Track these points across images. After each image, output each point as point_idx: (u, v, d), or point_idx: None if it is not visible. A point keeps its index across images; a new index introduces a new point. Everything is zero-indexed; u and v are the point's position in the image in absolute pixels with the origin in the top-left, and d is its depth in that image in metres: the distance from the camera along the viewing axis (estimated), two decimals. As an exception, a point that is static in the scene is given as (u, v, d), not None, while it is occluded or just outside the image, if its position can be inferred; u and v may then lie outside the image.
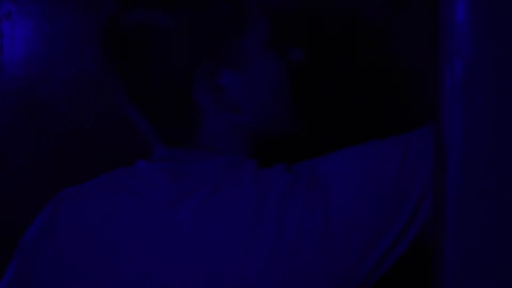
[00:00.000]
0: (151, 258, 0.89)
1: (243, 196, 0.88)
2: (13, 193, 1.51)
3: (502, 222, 0.60)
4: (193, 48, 0.90)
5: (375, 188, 0.87)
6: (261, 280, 0.84)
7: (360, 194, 0.87)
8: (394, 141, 0.92)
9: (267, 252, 0.85)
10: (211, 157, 0.94)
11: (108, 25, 0.95)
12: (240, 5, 0.94)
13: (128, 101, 0.97)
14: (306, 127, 1.09)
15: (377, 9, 1.31)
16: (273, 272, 0.84)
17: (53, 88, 1.48)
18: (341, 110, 1.29)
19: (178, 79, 0.91)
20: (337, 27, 1.27)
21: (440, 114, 0.62)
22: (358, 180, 0.88)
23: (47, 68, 1.48)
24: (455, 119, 0.60)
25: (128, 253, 0.90)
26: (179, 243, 0.88)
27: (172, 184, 0.92)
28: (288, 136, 1.07)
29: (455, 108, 0.59)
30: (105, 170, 1.51)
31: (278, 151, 1.08)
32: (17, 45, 1.49)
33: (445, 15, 0.59)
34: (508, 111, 0.59)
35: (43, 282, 0.95)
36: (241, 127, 0.96)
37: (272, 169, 0.93)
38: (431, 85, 1.12)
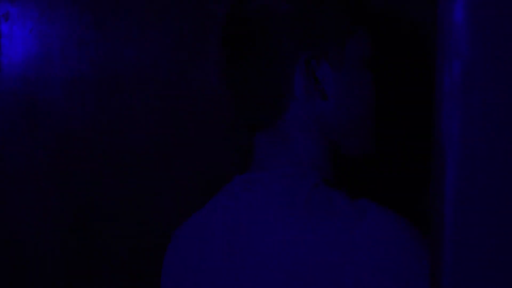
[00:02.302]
0: (227, 274, 0.98)
1: (291, 219, 0.94)
2: (11, 193, 1.51)
3: (501, 223, 0.60)
4: (305, 35, 0.98)
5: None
6: None
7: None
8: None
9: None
10: (283, 160, 1.01)
11: (232, 9, 1.03)
12: (357, 13, 1.02)
13: (228, 84, 1.05)
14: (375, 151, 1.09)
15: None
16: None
17: (51, 88, 1.48)
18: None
19: (283, 61, 0.99)
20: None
21: (439, 115, 0.62)
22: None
23: (45, 68, 1.48)
24: (454, 120, 0.60)
25: (216, 268, 1.00)
26: (242, 259, 0.97)
27: (244, 195, 1.00)
28: (359, 157, 1.08)
29: (454, 108, 0.59)
30: (102, 171, 1.51)
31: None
32: (15, 46, 1.49)
33: (444, 15, 0.59)
34: (507, 111, 0.59)
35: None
36: (324, 117, 1.01)
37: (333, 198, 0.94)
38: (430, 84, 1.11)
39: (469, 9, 0.56)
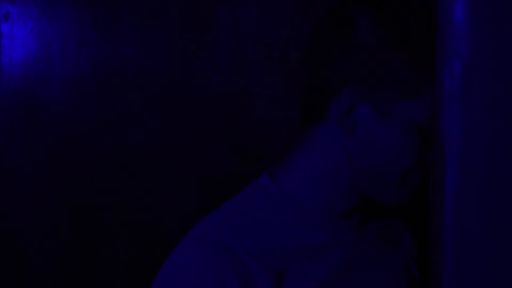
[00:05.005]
0: None
1: None
2: (10, 193, 1.51)
3: (501, 222, 0.60)
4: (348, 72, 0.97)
5: None
6: None
7: None
8: None
9: None
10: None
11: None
12: (426, 78, 0.94)
13: None
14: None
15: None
16: None
17: (51, 88, 1.48)
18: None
19: (331, 83, 0.97)
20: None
21: (439, 115, 0.62)
22: None
23: (45, 68, 1.48)
24: (454, 120, 0.60)
25: None
26: None
27: None
28: (386, 205, 1.04)
29: (454, 108, 0.59)
30: (101, 171, 1.51)
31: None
32: (15, 46, 1.49)
33: (444, 15, 0.59)
34: (507, 111, 0.59)
35: None
36: (345, 150, 0.99)
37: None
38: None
39: (469, 9, 0.56)
